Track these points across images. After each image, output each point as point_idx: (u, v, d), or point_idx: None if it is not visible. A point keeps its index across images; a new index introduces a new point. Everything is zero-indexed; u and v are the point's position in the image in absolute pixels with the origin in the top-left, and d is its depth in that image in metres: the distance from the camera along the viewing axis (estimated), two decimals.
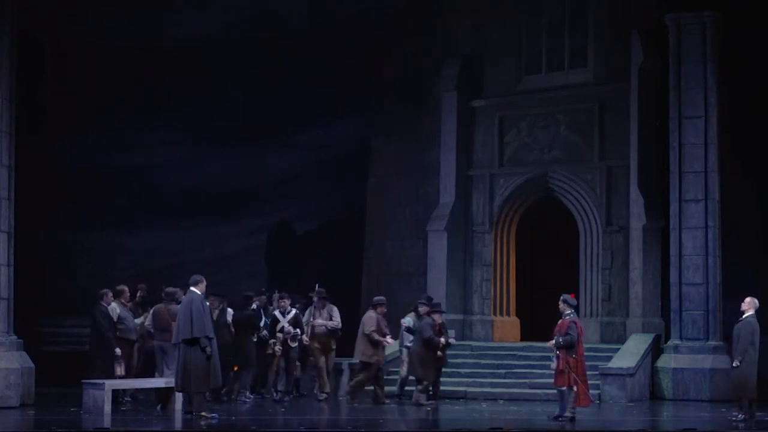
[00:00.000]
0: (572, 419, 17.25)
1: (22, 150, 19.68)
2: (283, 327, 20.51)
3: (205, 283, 17.17)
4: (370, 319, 20.24)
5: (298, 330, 20.49)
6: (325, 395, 20.47)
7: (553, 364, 17.61)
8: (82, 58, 25.76)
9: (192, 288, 16.97)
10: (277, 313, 20.68)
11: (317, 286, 20.67)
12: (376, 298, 20.99)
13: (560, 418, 17.35)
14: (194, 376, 16.71)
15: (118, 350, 19.00)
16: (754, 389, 17.38)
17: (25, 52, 20.22)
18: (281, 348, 20.42)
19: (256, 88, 27.33)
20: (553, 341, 17.56)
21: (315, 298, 20.65)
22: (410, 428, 17.63)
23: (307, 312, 20.86)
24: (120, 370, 18.92)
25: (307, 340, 20.57)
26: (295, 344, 20.52)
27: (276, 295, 21.07)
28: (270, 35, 26.61)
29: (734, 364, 17.48)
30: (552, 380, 18.04)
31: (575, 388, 17.30)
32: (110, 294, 19.37)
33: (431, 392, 20.36)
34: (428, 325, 20.13)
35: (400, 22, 26.52)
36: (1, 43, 19.06)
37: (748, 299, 17.62)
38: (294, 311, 20.70)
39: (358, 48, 26.34)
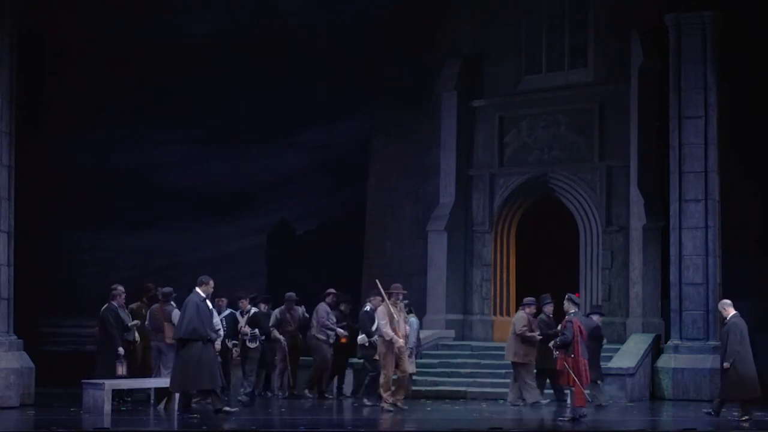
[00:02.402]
0: (573, 419, 17.22)
1: (22, 150, 19.67)
2: (240, 327, 20.06)
3: (211, 284, 17.27)
4: (520, 318, 19.90)
5: (257, 330, 19.95)
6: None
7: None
8: (82, 58, 25.73)
9: (196, 288, 17.14)
10: (237, 314, 20.28)
11: (377, 282, 18.84)
12: (526, 298, 20.43)
13: (571, 419, 17.32)
14: (181, 375, 17.02)
15: (121, 350, 19.01)
16: (755, 389, 17.36)
17: (25, 52, 20.21)
18: (239, 350, 20.04)
19: (256, 88, 27.31)
20: (552, 342, 17.65)
21: (393, 297, 18.62)
22: (410, 428, 17.59)
23: (381, 311, 18.56)
24: (122, 369, 18.93)
25: (400, 341, 18.42)
26: (254, 345, 19.93)
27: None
28: (270, 35, 26.59)
29: (724, 365, 17.45)
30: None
31: (574, 388, 17.35)
32: (123, 295, 19.41)
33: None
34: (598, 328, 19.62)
35: (400, 22, 26.49)
36: (1, 43, 19.05)
37: (719, 304, 17.67)
38: (253, 311, 20.16)
39: (358, 48, 26.32)
